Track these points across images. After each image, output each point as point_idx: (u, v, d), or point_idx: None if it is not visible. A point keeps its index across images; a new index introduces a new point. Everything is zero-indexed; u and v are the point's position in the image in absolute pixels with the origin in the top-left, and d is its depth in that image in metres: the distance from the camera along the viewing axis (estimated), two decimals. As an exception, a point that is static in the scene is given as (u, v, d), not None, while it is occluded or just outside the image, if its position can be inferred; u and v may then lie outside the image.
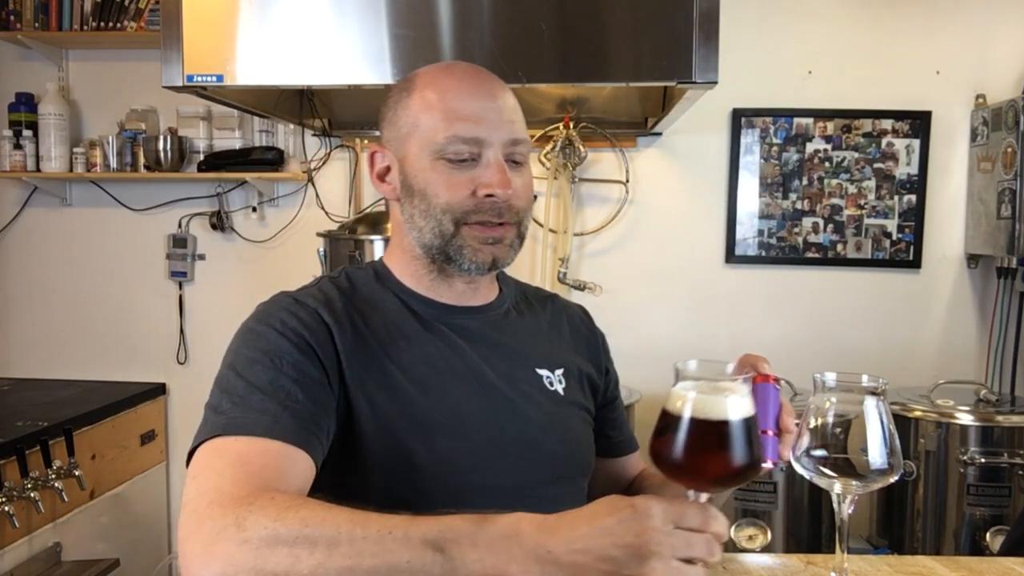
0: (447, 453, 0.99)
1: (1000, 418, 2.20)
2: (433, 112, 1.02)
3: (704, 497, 0.77)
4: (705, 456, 0.75)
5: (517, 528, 0.72)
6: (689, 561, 0.68)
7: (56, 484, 2.20)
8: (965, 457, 2.16)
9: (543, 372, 1.11)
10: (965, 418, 2.19)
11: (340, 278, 1.11)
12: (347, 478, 0.98)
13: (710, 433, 0.75)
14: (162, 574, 2.84)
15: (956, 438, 2.19)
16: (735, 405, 0.75)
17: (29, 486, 2.13)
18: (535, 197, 1.13)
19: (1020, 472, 2.15)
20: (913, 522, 2.28)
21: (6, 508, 2.03)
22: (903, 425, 2.26)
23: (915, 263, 2.72)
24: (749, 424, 0.76)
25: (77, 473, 2.29)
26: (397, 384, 1.00)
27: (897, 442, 0.79)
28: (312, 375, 0.94)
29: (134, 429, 2.72)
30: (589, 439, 1.15)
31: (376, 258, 1.19)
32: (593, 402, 1.19)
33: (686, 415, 0.75)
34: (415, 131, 1.03)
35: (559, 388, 1.11)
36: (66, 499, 2.24)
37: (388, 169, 1.09)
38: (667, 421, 0.76)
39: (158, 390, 2.88)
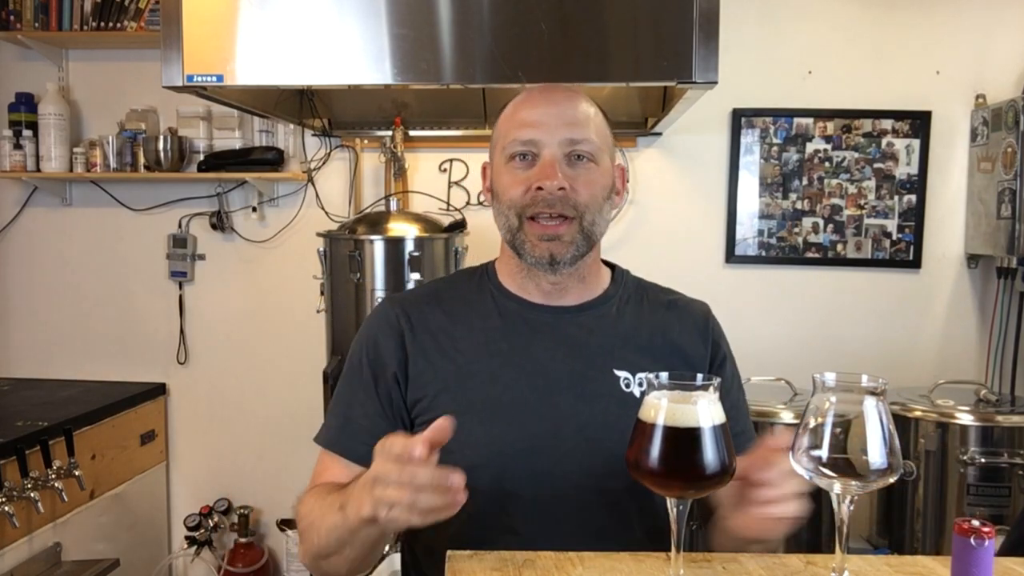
0: (501, 436, 1.10)
1: (1000, 418, 2.20)
2: (507, 122, 1.17)
3: (673, 503, 0.79)
4: (677, 462, 0.79)
5: (363, 477, 0.94)
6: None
7: (56, 484, 2.20)
8: (965, 457, 2.16)
9: (621, 373, 1.16)
10: (965, 418, 2.19)
11: (451, 276, 1.34)
12: None
13: (681, 439, 0.78)
14: (162, 574, 2.84)
15: (956, 438, 2.19)
16: (705, 412, 0.77)
17: (29, 486, 2.13)
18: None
19: (1020, 472, 2.15)
20: (913, 522, 2.28)
21: (6, 508, 2.04)
22: (903, 425, 2.26)
23: (915, 263, 2.72)
24: (719, 431, 0.79)
25: (77, 473, 2.29)
26: (459, 374, 1.14)
27: (897, 442, 0.79)
28: (379, 388, 1.16)
29: (134, 429, 2.72)
30: None
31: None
32: None
33: (659, 423, 0.79)
34: (497, 141, 1.19)
35: (636, 390, 1.15)
36: (66, 499, 2.24)
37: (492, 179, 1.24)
38: (641, 429, 0.79)
39: (158, 390, 2.88)
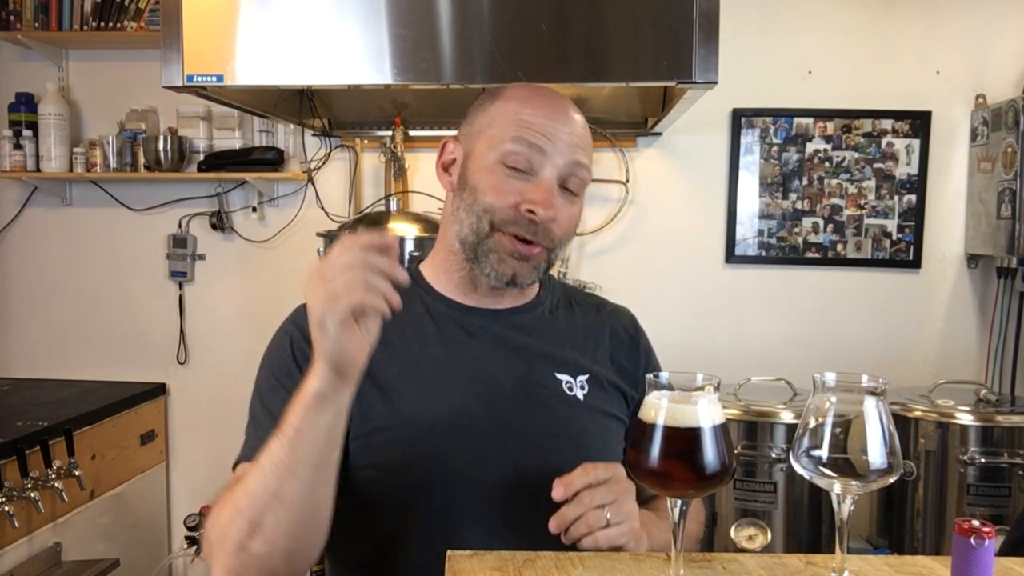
0: (448, 450, 1.02)
1: (1000, 418, 2.19)
2: (508, 117, 1.07)
3: (673, 503, 0.80)
4: (678, 463, 0.79)
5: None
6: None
7: (56, 484, 2.20)
8: (965, 457, 2.16)
9: (563, 377, 1.12)
10: (965, 418, 2.19)
11: None
12: (360, 472, 1.03)
13: (682, 440, 0.78)
14: (162, 574, 2.84)
15: (956, 438, 2.19)
16: (705, 412, 0.77)
17: (29, 486, 2.13)
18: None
19: (1020, 472, 2.14)
20: (913, 522, 2.28)
21: (6, 508, 2.03)
22: (903, 425, 2.26)
23: (915, 263, 2.72)
24: (720, 431, 0.79)
25: (77, 473, 2.29)
26: (395, 385, 1.04)
27: (897, 442, 0.79)
28: None
29: (134, 429, 2.72)
30: (609, 444, 1.13)
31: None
32: (626, 410, 1.17)
33: (659, 423, 0.79)
34: (487, 130, 1.08)
35: (579, 393, 1.11)
36: (66, 499, 2.24)
37: (453, 161, 1.14)
38: (641, 430, 0.79)
39: (158, 390, 2.88)
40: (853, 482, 0.79)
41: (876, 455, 0.78)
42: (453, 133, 1.19)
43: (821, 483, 0.80)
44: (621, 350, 1.21)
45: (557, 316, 1.19)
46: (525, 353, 1.11)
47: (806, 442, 0.80)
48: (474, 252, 1.07)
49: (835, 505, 0.81)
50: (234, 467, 1.05)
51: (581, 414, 1.10)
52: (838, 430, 0.79)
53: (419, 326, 1.10)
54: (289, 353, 1.06)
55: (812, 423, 0.80)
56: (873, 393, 0.79)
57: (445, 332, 1.10)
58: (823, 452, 0.79)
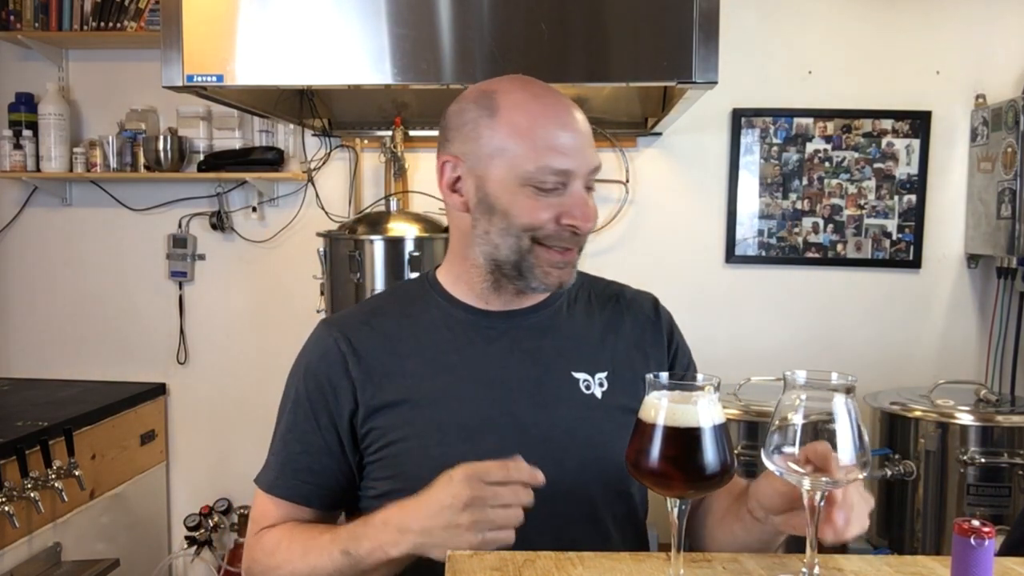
0: (465, 457, 1.00)
1: (1000, 418, 2.19)
2: (524, 140, 1.04)
3: (673, 503, 0.80)
4: (678, 463, 0.79)
5: (385, 516, 0.95)
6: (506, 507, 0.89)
7: (56, 484, 2.20)
8: (965, 457, 2.16)
9: (580, 375, 1.12)
10: (965, 418, 2.19)
11: (389, 291, 1.27)
12: (381, 484, 1.09)
13: (682, 440, 0.78)
14: (162, 574, 2.84)
15: (956, 438, 2.19)
16: (705, 412, 0.78)
17: (29, 486, 2.13)
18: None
19: (1020, 472, 2.14)
20: (913, 522, 2.28)
21: (6, 508, 2.04)
22: (903, 425, 2.26)
23: (915, 263, 2.72)
24: (720, 431, 0.79)
25: (77, 473, 2.29)
26: (411, 396, 1.07)
27: (867, 438, 0.80)
28: (320, 422, 1.11)
29: (134, 429, 2.73)
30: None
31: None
32: None
33: (659, 423, 0.79)
34: (502, 154, 1.05)
35: (597, 391, 1.11)
36: (66, 499, 2.24)
37: (458, 179, 1.10)
38: (641, 430, 0.80)
39: (158, 390, 2.88)
40: (823, 478, 0.79)
41: (845, 452, 0.79)
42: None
43: (792, 479, 0.81)
44: (645, 337, 1.20)
45: (575, 313, 1.18)
46: (541, 354, 1.12)
47: (776, 439, 0.81)
48: (517, 269, 1.07)
49: (805, 501, 0.81)
50: (259, 482, 1.14)
51: (597, 413, 1.10)
52: (808, 427, 0.80)
53: (434, 334, 1.11)
54: (299, 385, 1.13)
55: (783, 421, 0.81)
56: (842, 390, 0.80)
57: (461, 339, 1.11)
58: (793, 449, 0.80)
